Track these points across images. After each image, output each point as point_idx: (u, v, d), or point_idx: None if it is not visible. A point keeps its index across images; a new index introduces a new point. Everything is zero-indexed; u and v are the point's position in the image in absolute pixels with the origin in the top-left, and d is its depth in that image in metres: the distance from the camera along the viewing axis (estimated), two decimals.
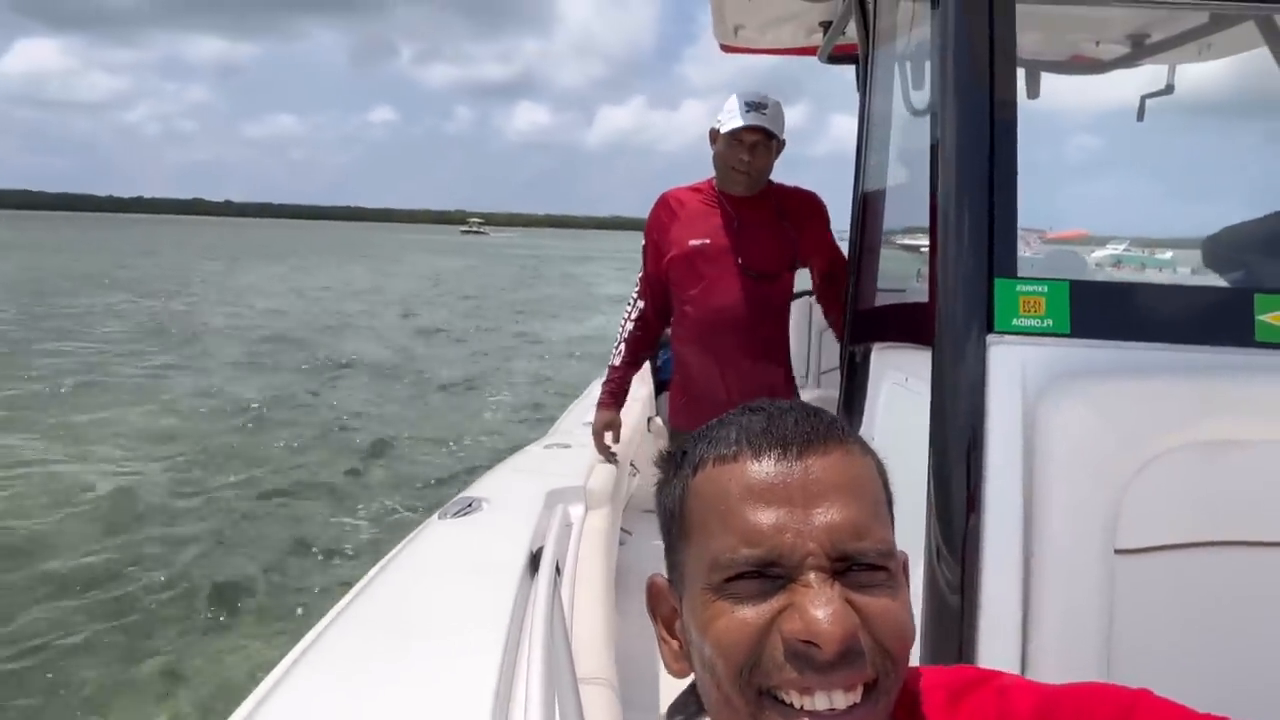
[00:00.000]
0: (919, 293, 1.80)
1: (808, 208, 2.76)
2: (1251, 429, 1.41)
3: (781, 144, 2.67)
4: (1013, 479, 1.43)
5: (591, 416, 4.06)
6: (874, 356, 1.99)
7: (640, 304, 2.86)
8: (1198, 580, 1.40)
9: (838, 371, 3.20)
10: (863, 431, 2.07)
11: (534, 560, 1.65)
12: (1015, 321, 1.46)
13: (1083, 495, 1.40)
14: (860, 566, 0.63)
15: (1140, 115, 3.01)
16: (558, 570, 1.66)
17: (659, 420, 4.61)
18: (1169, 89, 2.92)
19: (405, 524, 6.43)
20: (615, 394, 2.94)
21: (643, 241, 2.85)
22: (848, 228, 2.28)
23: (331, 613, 1.40)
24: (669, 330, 3.03)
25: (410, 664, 1.18)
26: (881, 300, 2.08)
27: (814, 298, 3.04)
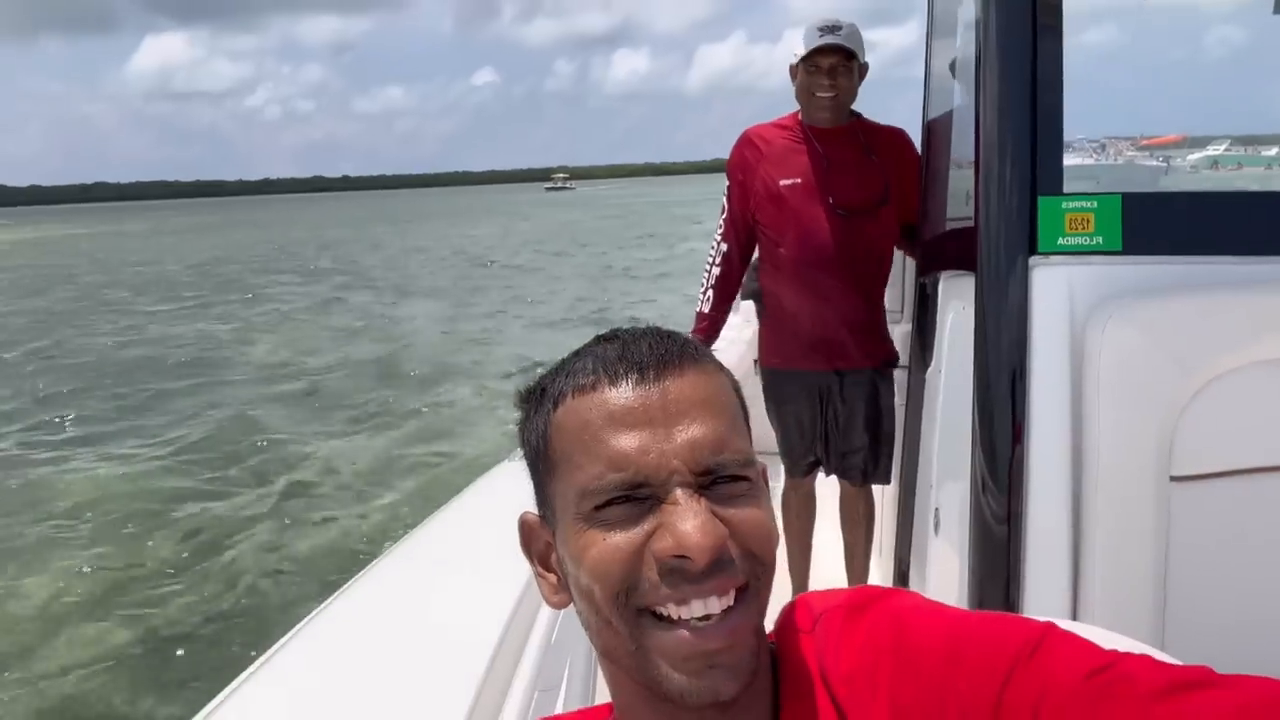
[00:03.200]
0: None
1: (896, 146, 2.64)
2: None
3: (864, 67, 2.57)
4: (1059, 407, 1.37)
5: None
6: (941, 285, 1.93)
7: (724, 246, 2.81)
8: (1260, 507, 1.31)
9: None
10: (933, 363, 2.02)
11: None
12: (1061, 241, 1.39)
13: (1134, 421, 1.33)
14: (724, 479, 0.65)
15: (1277, 8, 2.72)
16: None
17: (761, 368, 4.57)
18: None
19: None
20: (707, 339, 2.88)
21: (726, 182, 2.80)
22: None
23: (390, 549, 1.51)
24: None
25: (431, 608, 1.27)
26: (951, 228, 2.01)
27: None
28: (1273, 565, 1.30)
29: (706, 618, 0.63)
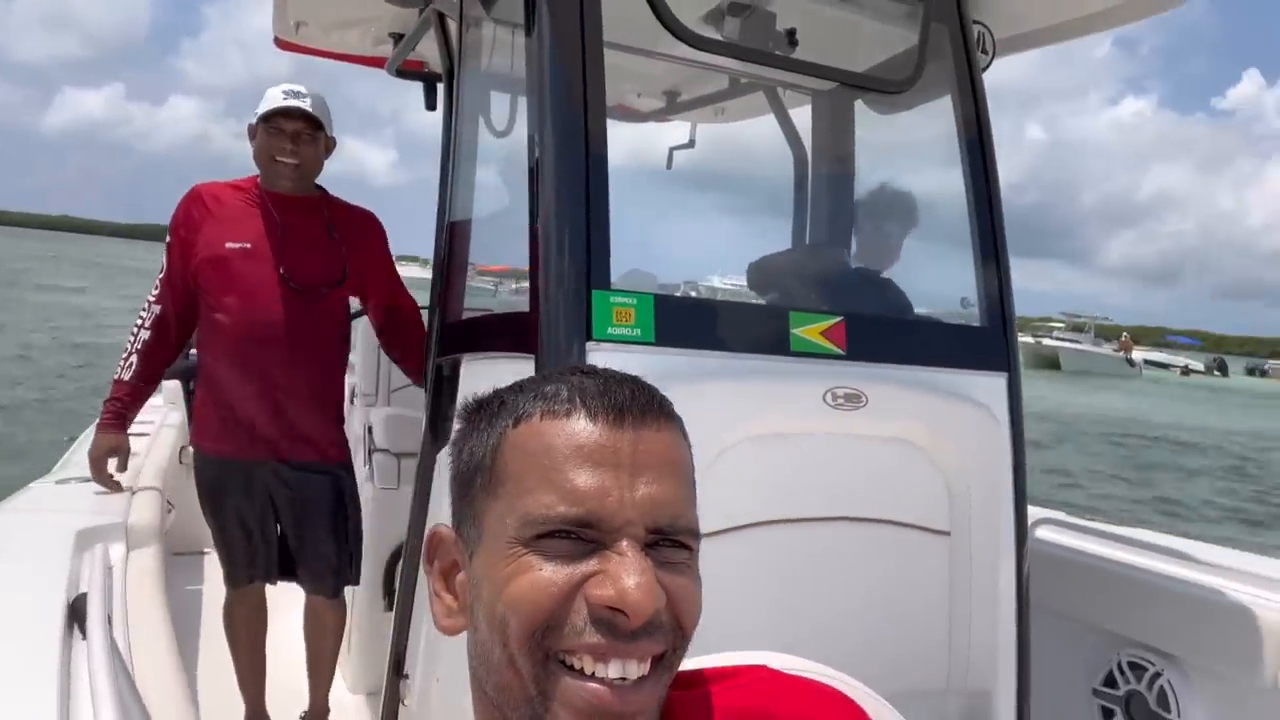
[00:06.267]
0: (514, 304, 1.86)
1: (363, 226, 2.62)
2: (790, 424, 1.68)
3: (331, 141, 2.52)
4: None
5: None
6: (464, 368, 2.00)
7: (157, 308, 2.48)
8: (752, 556, 1.63)
9: (409, 390, 3.15)
10: (449, 444, 2.06)
11: (74, 612, 1.37)
12: (610, 330, 1.58)
13: None
14: (668, 543, 0.65)
15: (669, 164, 3.46)
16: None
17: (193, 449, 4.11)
18: (691, 143, 3.40)
19: None
20: (122, 414, 2.45)
21: (167, 238, 2.50)
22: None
23: None
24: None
25: None
26: (487, 314, 2.10)
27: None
28: (773, 600, 1.62)
29: (622, 679, 0.62)
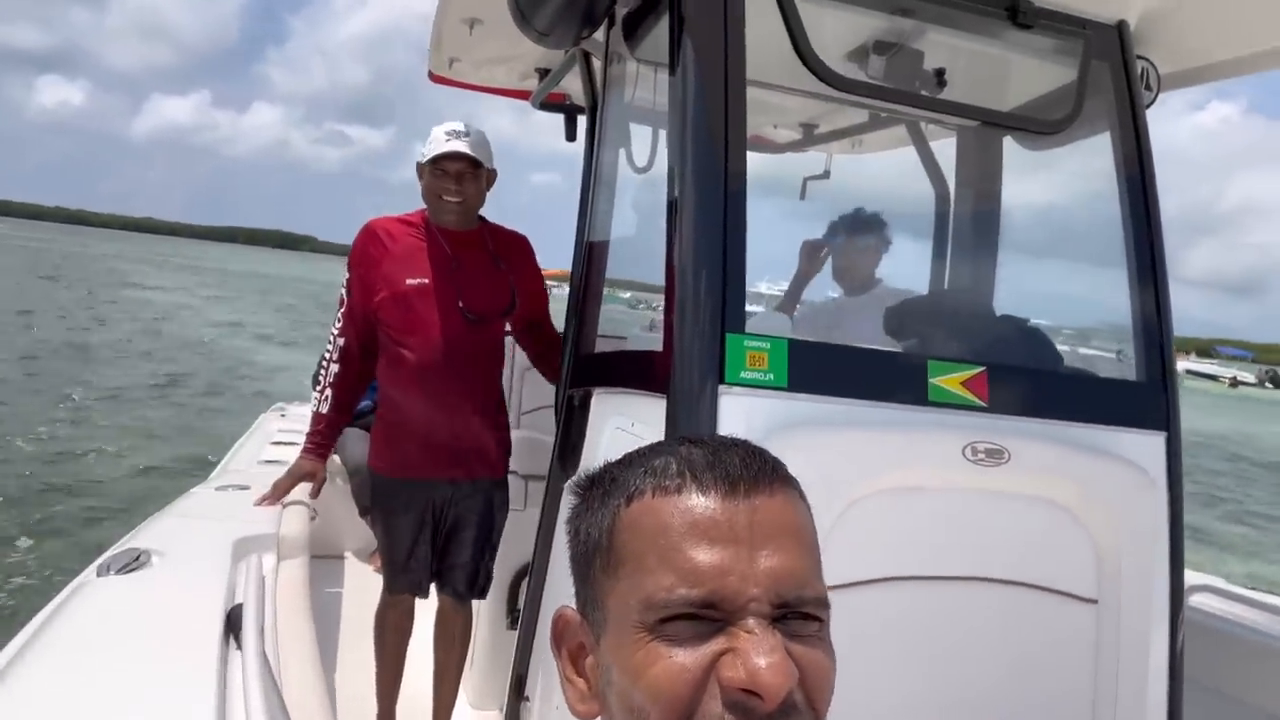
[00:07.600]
0: (647, 341, 1.87)
1: (520, 250, 2.75)
2: (927, 477, 1.62)
3: (492, 174, 2.64)
4: None
5: (266, 455, 3.68)
6: (595, 400, 2.02)
7: (342, 340, 2.65)
8: (885, 612, 1.57)
9: (540, 412, 3.22)
10: (577, 474, 2.09)
11: (231, 622, 1.45)
12: (743, 374, 1.56)
13: None
14: (796, 615, 0.61)
15: (803, 194, 3.42)
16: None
17: (336, 459, 4.33)
18: (826, 174, 3.35)
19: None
20: (323, 444, 2.67)
21: (345, 274, 2.67)
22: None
23: None
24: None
25: None
26: (601, 346, 2.13)
27: (514, 340, 3.02)
28: (903, 658, 1.57)
29: None
